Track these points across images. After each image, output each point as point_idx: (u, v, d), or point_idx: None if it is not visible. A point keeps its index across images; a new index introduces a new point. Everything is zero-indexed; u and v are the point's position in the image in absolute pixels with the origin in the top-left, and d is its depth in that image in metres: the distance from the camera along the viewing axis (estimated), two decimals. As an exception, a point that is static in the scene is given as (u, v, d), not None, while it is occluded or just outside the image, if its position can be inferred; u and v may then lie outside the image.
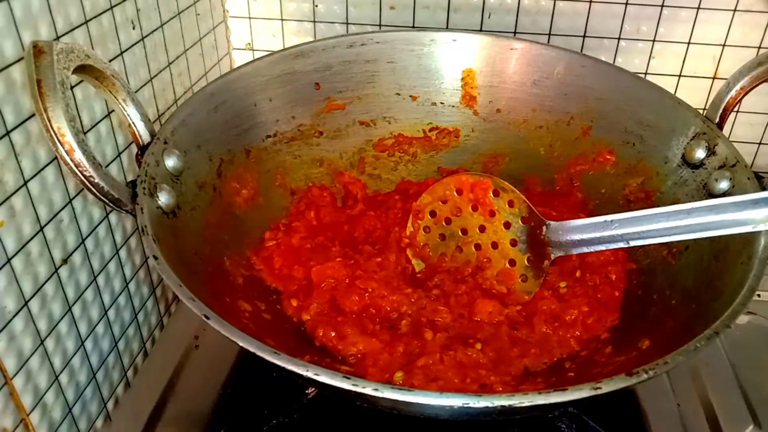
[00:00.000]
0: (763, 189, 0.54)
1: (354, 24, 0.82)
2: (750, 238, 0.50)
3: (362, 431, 0.58)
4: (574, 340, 0.57)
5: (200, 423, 0.61)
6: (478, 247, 0.64)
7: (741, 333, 0.72)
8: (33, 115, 0.47)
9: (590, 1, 0.78)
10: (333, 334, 0.57)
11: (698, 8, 0.78)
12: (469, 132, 0.74)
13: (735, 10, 0.77)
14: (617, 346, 0.55)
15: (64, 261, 0.54)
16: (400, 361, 0.55)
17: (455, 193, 0.65)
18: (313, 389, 0.60)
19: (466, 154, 0.75)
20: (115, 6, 0.56)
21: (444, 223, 0.65)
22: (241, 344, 0.41)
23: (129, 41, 0.60)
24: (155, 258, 0.46)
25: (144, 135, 0.53)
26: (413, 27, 0.82)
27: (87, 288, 0.58)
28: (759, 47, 0.80)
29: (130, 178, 0.61)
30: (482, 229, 0.64)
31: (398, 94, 0.72)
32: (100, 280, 0.60)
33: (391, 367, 0.54)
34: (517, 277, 0.62)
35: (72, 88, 0.47)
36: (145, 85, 0.64)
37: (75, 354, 0.57)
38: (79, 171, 0.45)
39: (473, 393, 0.39)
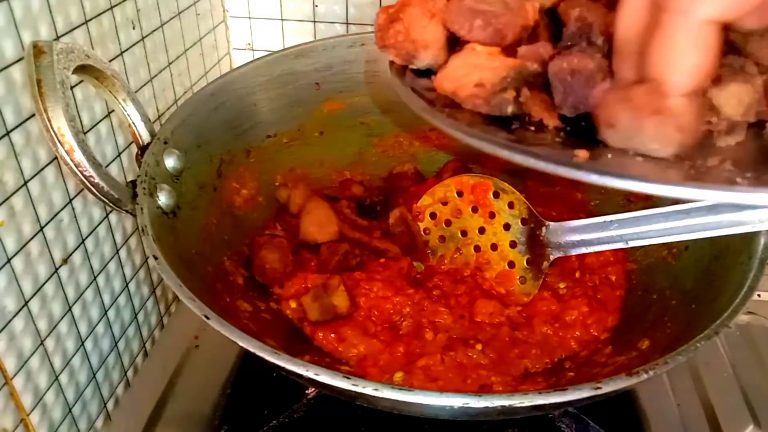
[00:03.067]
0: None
1: (354, 24, 0.81)
2: (750, 238, 0.50)
3: (362, 431, 0.58)
4: (574, 340, 0.57)
5: (200, 423, 0.61)
6: (477, 248, 0.64)
7: (741, 333, 0.72)
8: (33, 115, 0.47)
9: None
10: (333, 336, 0.56)
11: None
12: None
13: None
14: (617, 346, 0.55)
15: (64, 261, 0.54)
16: (400, 361, 0.55)
17: (455, 195, 0.65)
18: (313, 389, 0.60)
19: (467, 154, 0.74)
20: (115, 6, 0.56)
21: (444, 225, 0.65)
22: (241, 344, 0.41)
23: (129, 41, 0.60)
24: (155, 258, 0.46)
25: (144, 135, 0.53)
26: (413, 27, 0.82)
27: (87, 288, 0.58)
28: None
29: (130, 178, 0.61)
30: (482, 230, 0.64)
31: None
32: (100, 280, 0.60)
33: (391, 368, 0.54)
34: (515, 279, 0.62)
35: (72, 88, 0.47)
36: (145, 85, 0.64)
37: (75, 354, 0.57)
38: (79, 171, 0.45)
39: (473, 393, 0.39)
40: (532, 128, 0.33)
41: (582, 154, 0.30)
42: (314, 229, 0.63)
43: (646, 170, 0.29)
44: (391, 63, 0.41)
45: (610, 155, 0.30)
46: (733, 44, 0.33)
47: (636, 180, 0.28)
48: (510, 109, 0.33)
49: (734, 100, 0.31)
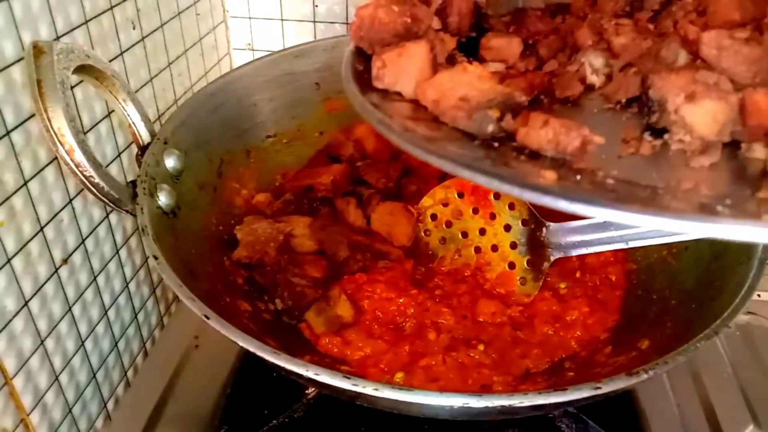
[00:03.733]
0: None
1: (354, 24, 0.81)
2: (750, 239, 0.50)
3: (362, 431, 0.58)
4: (574, 340, 0.57)
5: (200, 423, 0.61)
6: (477, 250, 0.64)
7: (741, 333, 0.72)
8: (33, 115, 0.47)
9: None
10: (337, 340, 0.56)
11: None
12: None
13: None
14: (617, 346, 0.55)
15: (65, 261, 0.54)
16: (402, 361, 0.55)
17: (456, 196, 0.64)
18: (313, 389, 0.60)
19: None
20: (115, 6, 0.56)
21: (444, 226, 0.65)
22: (241, 344, 0.41)
23: (129, 41, 0.60)
24: (155, 258, 0.46)
25: (144, 135, 0.53)
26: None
27: (87, 288, 0.58)
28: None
29: (130, 178, 0.61)
30: (482, 232, 0.64)
31: (398, 94, 0.72)
32: (101, 280, 0.60)
33: (392, 368, 0.54)
34: (516, 280, 0.62)
35: (72, 88, 0.47)
36: (145, 85, 0.64)
37: (75, 354, 0.57)
38: (79, 171, 0.45)
39: (473, 393, 0.39)
40: (498, 145, 0.31)
41: (549, 175, 0.28)
42: (309, 243, 0.62)
43: (618, 196, 0.27)
44: (353, 70, 0.38)
45: (579, 177, 0.28)
46: (704, 59, 0.31)
47: (608, 208, 0.26)
48: (491, 129, 0.31)
49: (708, 118, 0.29)
